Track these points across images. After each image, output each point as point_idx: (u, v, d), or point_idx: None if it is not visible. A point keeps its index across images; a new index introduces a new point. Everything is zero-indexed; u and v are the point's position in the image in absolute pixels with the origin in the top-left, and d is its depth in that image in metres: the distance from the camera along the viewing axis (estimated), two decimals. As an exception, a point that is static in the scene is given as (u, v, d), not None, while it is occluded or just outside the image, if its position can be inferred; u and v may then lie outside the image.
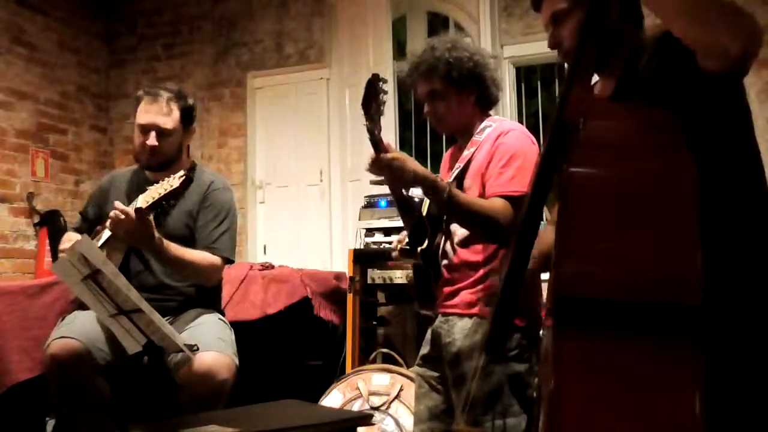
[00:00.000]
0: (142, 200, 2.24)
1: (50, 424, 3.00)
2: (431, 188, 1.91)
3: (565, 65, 1.49)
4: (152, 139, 2.46)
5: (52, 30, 5.29)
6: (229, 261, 2.54)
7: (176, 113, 2.51)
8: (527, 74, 4.73)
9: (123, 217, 2.19)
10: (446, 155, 2.33)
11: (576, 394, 0.97)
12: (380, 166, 1.91)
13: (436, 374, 2.11)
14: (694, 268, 0.97)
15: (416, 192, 2.08)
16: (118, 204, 2.23)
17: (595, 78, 1.54)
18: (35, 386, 2.77)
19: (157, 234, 2.28)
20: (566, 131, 1.16)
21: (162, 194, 2.23)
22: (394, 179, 1.95)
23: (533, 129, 2.32)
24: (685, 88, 1.26)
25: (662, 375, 0.96)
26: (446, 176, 2.18)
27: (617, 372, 0.97)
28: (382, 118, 1.95)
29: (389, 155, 1.89)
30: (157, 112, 2.48)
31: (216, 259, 2.47)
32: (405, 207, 2.13)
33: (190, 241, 2.48)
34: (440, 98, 2.09)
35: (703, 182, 1.03)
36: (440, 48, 2.05)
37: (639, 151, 1.09)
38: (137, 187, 2.52)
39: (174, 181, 2.24)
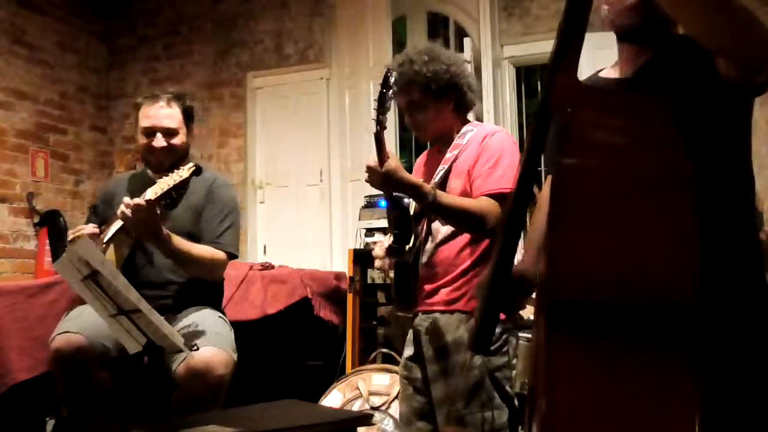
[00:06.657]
0: (151, 192, 2.25)
1: (50, 424, 3.00)
2: (417, 194, 1.98)
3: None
4: (159, 141, 2.50)
5: (52, 30, 5.29)
6: (233, 256, 2.56)
7: (178, 112, 2.55)
8: (527, 74, 4.74)
9: (132, 207, 2.21)
10: (421, 159, 2.37)
11: (570, 400, 0.94)
12: (376, 177, 1.99)
13: (419, 377, 2.14)
14: (692, 269, 0.94)
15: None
16: (126, 199, 2.25)
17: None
18: (35, 386, 2.78)
19: (164, 228, 2.30)
20: (550, 119, 1.15)
21: (171, 185, 2.25)
22: (385, 186, 2.03)
23: (533, 129, 2.34)
24: (701, 91, 1.25)
25: (659, 380, 0.93)
26: (422, 179, 2.20)
27: (612, 377, 0.94)
28: (388, 113, 2.00)
29: (384, 169, 1.95)
30: (160, 114, 2.52)
31: (221, 254, 2.49)
32: (393, 204, 2.16)
33: (196, 238, 2.49)
34: (420, 108, 2.15)
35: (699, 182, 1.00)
36: (418, 61, 2.10)
37: (636, 147, 1.04)
38: (141, 187, 2.53)
39: (183, 172, 2.26)
